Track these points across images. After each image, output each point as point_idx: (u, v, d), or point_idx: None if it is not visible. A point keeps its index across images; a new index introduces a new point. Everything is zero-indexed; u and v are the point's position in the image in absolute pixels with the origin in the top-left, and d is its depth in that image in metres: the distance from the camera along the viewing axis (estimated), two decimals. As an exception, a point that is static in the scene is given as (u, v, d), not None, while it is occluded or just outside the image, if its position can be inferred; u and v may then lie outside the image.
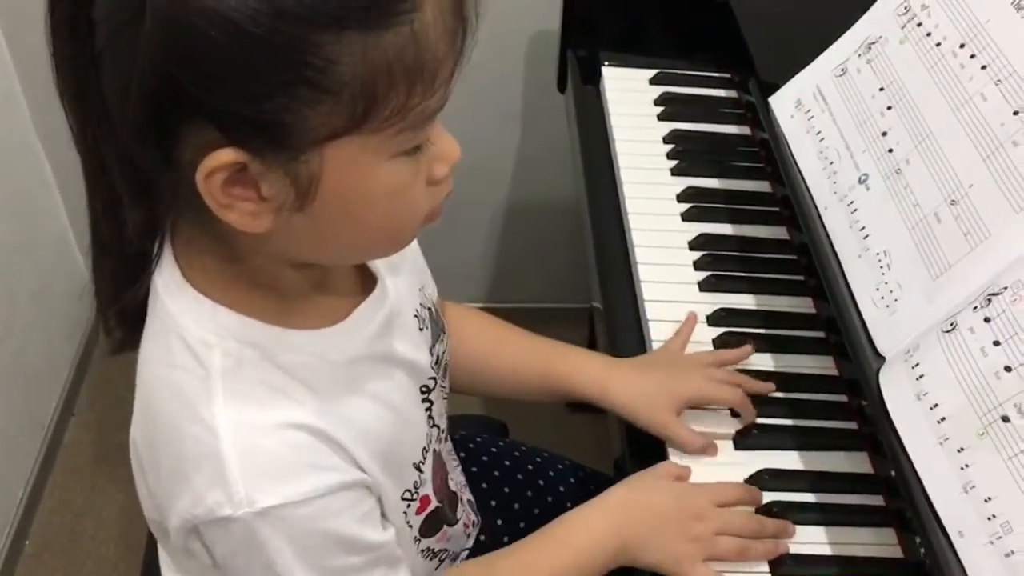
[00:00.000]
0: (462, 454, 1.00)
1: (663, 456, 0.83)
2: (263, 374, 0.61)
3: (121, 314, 0.65)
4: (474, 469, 1.01)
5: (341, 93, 0.50)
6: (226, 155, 0.51)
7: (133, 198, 0.58)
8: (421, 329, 0.76)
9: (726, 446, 0.83)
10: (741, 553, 0.75)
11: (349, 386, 0.66)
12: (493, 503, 0.98)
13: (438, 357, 0.79)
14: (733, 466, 0.81)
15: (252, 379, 0.61)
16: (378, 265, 0.71)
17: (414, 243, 0.81)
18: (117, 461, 1.67)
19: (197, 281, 0.61)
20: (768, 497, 0.79)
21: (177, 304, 0.61)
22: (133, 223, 0.60)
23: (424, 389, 0.75)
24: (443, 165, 0.59)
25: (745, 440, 0.83)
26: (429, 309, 0.79)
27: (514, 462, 1.03)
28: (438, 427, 0.80)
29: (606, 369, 0.88)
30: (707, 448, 0.82)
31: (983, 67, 0.75)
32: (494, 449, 1.04)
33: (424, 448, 0.74)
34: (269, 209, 0.54)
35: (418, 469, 0.73)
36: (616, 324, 0.94)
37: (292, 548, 0.60)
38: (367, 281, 0.70)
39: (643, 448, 0.84)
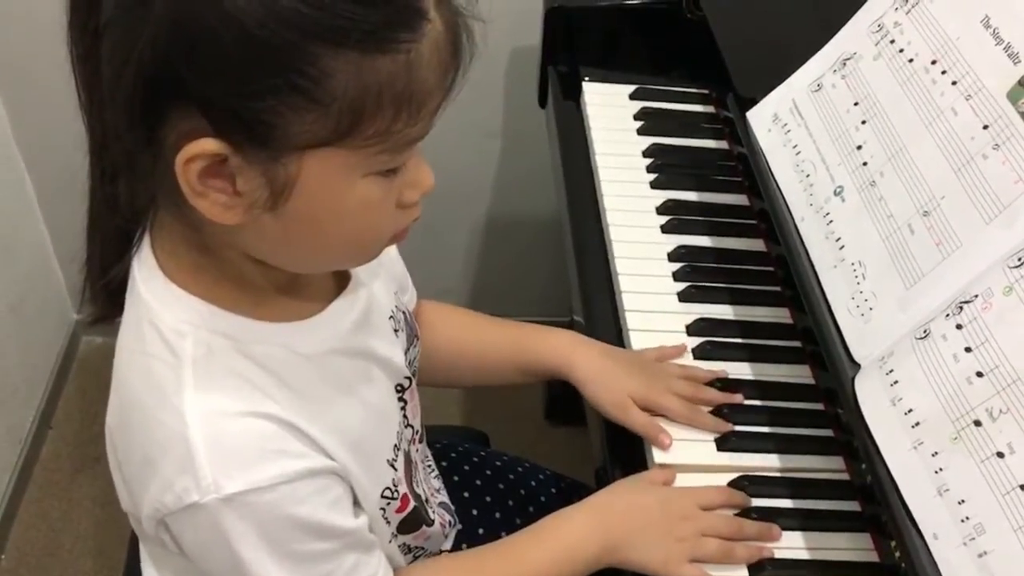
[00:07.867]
0: (444, 463, 1.01)
1: (644, 467, 0.83)
2: (234, 363, 0.62)
3: (106, 286, 0.66)
4: (456, 478, 1.01)
5: (329, 106, 0.52)
6: (209, 144, 0.53)
7: (123, 172, 0.59)
8: (396, 331, 0.77)
9: (708, 448, 0.84)
10: (725, 555, 0.76)
11: (322, 380, 0.66)
12: (475, 512, 0.99)
13: (411, 361, 0.80)
14: (715, 470, 0.82)
15: (223, 368, 0.61)
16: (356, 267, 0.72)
17: (392, 249, 0.82)
18: (95, 475, 1.66)
19: (170, 269, 0.63)
20: (747, 503, 0.80)
21: (151, 292, 0.62)
22: (124, 197, 0.61)
23: (399, 388, 0.76)
24: (415, 192, 0.61)
25: (725, 443, 0.84)
26: (404, 313, 0.80)
27: (495, 472, 1.04)
28: (412, 427, 0.81)
29: (575, 344, 0.90)
30: (660, 437, 0.83)
31: (954, 82, 0.77)
32: (475, 459, 1.05)
33: (395, 445, 0.75)
34: (241, 204, 0.55)
35: (391, 466, 0.74)
36: (597, 336, 0.95)
37: (258, 536, 0.61)
38: (342, 283, 0.71)
39: (624, 459, 0.85)
